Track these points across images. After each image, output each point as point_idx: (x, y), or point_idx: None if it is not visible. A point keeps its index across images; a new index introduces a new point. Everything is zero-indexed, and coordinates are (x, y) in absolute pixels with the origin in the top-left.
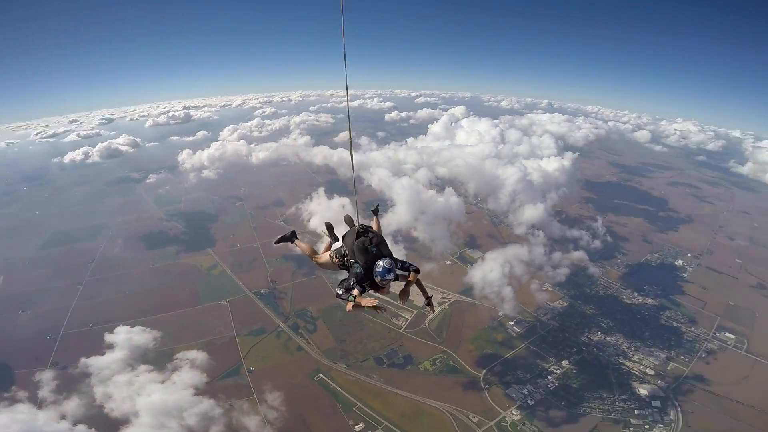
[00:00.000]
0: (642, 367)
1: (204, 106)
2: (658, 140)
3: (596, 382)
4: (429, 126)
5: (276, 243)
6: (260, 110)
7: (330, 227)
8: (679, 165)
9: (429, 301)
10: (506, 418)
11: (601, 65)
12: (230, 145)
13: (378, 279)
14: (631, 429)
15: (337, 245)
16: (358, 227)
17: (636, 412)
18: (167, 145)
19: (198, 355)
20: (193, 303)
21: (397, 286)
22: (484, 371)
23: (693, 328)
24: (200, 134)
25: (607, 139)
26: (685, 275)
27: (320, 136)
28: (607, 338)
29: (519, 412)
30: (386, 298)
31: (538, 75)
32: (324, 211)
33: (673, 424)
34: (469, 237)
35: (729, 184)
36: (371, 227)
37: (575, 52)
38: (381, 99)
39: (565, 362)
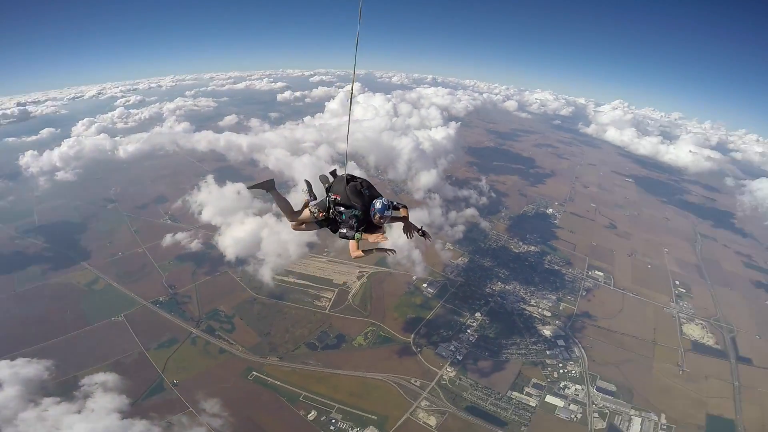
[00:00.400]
0: (540, 309)
1: (46, 101)
2: (523, 108)
3: (508, 329)
4: (326, 104)
5: (249, 188)
6: (122, 99)
7: (309, 184)
8: (541, 129)
9: (423, 232)
10: (444, 377)
11: (473, 43)
12: (88, 140)
13: (377, 217)
14: (549, 369)
15: (314, 202)
16: (345, 175)
17: (548, 353)
18: (1, 148)
19: (108, 378)
20: (81, 325)
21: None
22: (413, 335)
23: (570, 270)
24: (45, 132)
25: (483, 109)
26: (556, 221)
27: (202, 121)
28: (506, 287)
29: (452, 368)
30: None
31: (423, 52)
32: (216, 201)
33: (580, 360)
34: None
35: (579, 142)
36: (355, 175)
37: (452, 31)
38: (271, 80)
39: (478, 314)
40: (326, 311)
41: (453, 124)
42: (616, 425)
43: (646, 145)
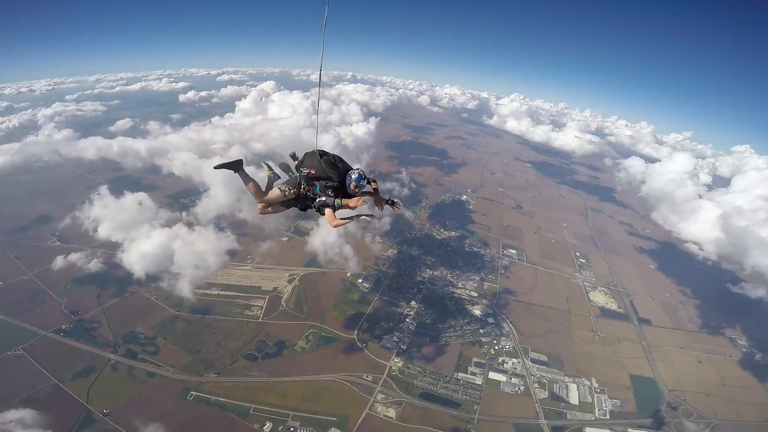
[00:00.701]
0: (467, 291)
1: None
2: (435, 103)
3: (442, 313)
4: (236, 103)
5: (216, 167)
6: None
7: (269, 165)
8: (451, 122)
9: (393, 202)
10: (393, 368)
11: (389, 40)
12: None
13: (353, 186)
14: (486, 347)
15: (282, 181)
16: (317, 150)
17: (481, 331)
18: None
19: (24, 414)
20: None
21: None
22: (356, 331)
23: (488, 250)
24: None
25: (399, 105)
26: (470, 206)
27: (88, 127)
28: (435, 273)
29: (399, 358)
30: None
31: (342, 50)
32: (114, 215)
33: (511, 335)
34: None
35: (484, 133)
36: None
37: (370, 29)
38: (172, 80)
39: (413, 303)
40: (259, 320)
41: (373, 119)
42: (556, 393)
43: (540, 133)
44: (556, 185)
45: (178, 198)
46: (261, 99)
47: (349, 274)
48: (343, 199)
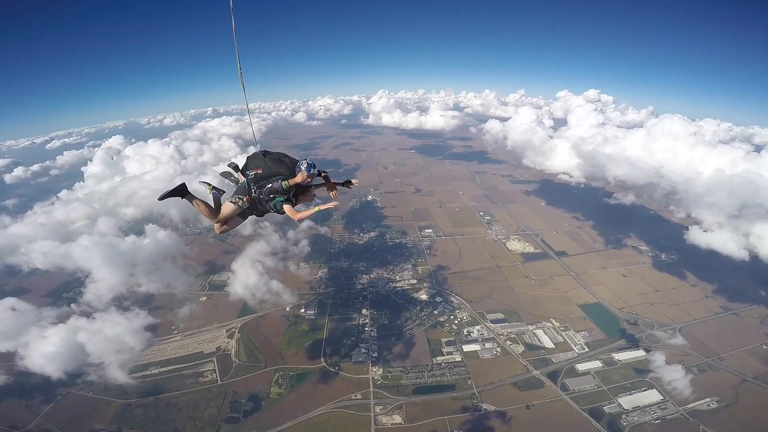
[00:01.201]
0: (407, 281)
1: None
2: (312, 117)
3: (394, 310)
4: (82, 169)
5: (161, 198)
6: None
7: (209, 184)
8: (333, 131)
9: (347, 181)
10: (375, 378)
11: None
12: None
13: (305, 175)
14: (447, 325)
15: (231, 194)
16: (259, 151)
17: (435, 312)
18: None
19: None
20: None
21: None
22: (322, 359)
23: (408, 237)
24: None
25: (277, 128)
26: (378, 204)
27: None
28: (371, 276)
29: (376, 367)
30: None
31: (200, 83)
32: None
33: (462, 306)
34: (205, 264)
35: (366, 134)
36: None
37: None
38: None
39: (364, 311)
40: (219, 382)
41: (251, 148)
42: (530, 343)
43: (411, 121)
44: (441, 162)
45: (59, 293)
46: (112, 158)
47: (288, 308)
48: (289, 180)
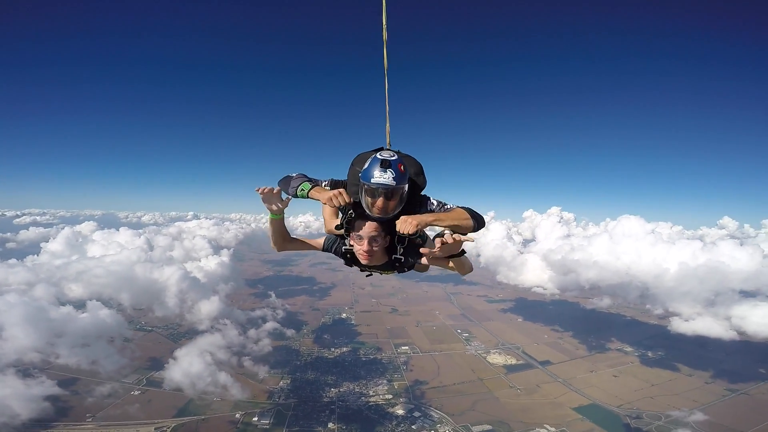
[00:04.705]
0: (381, 396)
1: None
2: (292, 232)
3: (366, 425)
4: (42, 245)
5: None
6: None
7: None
8: (309, 251)
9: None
10: None
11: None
12: None
13: (370, 189)
14: None
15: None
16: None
17: (414, 427)
18: None
19: None
20: None
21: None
22: None
23: (383, 353)
24: None
25: (254, 239)
26: (353, 321)
27: None
28: (341, 390)
29: None
30: None
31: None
32: None
33: (443, 419)
34: (149, 360)
35: None
36: None
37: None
38: None
39: (330, 424)
40: None
41: (226, 251)
42: None
43: None
44: (417, 284)
45: None
46: (77, 240)
47: (238, 414)
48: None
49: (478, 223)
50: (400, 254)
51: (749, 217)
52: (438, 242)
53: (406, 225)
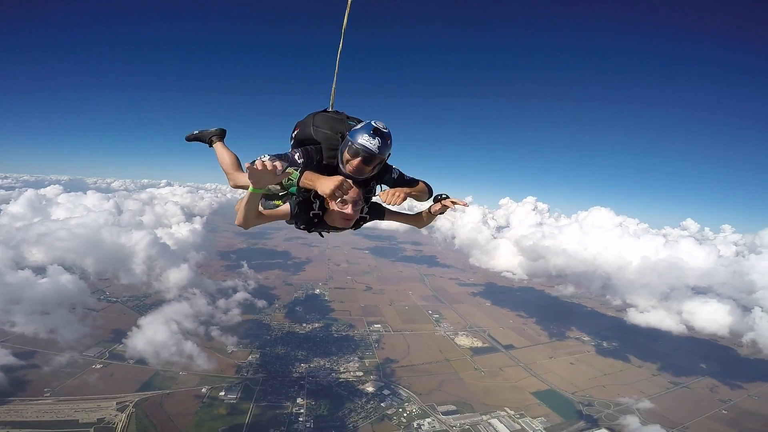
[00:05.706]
0: (352, 372)
1: None
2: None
3: (336, 401)
4: (1, 206)
5: (188, 139)
6: None
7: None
8: (285, 224)
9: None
10: None
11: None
12: None
13: (355, 148)
14: (395, 418)
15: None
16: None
17: (383, 404)
18: None
19: None
20: None
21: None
22: None
23: (355, 331)
24: None
25: (228, 208)
26: (326, 298)
27: None
28: (311, 365)
29: None
30: None
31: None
32: None
33: (411, 398)
34: (113, 332)
35: None
36: None
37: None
38: None
39: (299, 399)
40: None
41: (198, 219)
42: None
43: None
44: (393, 263)
45: None
46: (41, 203)
47: (204, 389)
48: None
49: (431, 194)
50: (365, 213)
51: (710, 221)
52: (437, 206)
53: (395, 198)
